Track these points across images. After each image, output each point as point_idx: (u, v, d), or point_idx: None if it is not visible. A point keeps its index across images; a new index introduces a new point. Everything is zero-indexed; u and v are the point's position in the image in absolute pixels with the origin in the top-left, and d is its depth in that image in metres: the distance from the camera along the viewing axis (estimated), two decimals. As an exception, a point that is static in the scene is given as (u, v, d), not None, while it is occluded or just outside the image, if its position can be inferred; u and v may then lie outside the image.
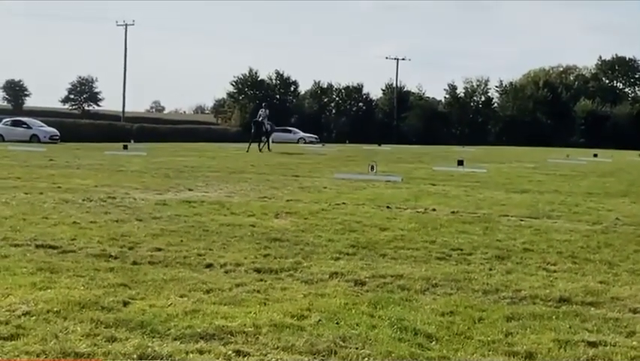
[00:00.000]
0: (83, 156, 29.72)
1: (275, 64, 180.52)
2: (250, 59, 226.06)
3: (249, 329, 5.68)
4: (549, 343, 5.62)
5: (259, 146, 39.19)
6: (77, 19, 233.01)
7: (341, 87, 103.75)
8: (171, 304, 6.35)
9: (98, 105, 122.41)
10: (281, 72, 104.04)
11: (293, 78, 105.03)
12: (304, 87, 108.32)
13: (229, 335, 5.54)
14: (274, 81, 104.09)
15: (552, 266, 8.66)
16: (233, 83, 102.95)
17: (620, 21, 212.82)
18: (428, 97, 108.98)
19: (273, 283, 7.32)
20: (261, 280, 7.44)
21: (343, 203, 14.29)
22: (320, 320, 5.98)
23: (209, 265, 8.06)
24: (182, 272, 7.66)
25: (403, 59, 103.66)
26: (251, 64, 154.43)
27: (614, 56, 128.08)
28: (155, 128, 79.79)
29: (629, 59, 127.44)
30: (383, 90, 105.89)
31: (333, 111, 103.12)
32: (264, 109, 41.39)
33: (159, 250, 8.81)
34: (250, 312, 6.15)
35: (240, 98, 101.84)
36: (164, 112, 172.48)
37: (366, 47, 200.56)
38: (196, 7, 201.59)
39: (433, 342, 5.59)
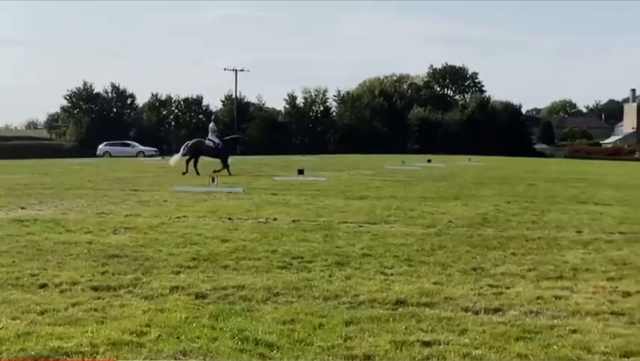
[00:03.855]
0: None
1: (110, 76, 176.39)
2: (84, 72, 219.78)
3: (86, 348, 5.54)
4: (386, 345, 5.77)
5: (220, 168, 30.86)
6: None
7: (180, 99, 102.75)
8: (2, 327, 6.09)
9: None
10: (117, 85, 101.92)
11: (130, 91, 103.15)
12: (142, 100, 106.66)
13: (64, 356, 5.37)
14: (110, 94, 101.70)
15: (389, 270, 8.91)
16: (67, 97, 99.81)
17: (451, 32, 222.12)
18: (268, 107, 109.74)
19: (111, 300, 7.15)
20: (99, 298, 7.25)
21: (184, 216, 14.14)
22: (160, 336, 5.89)
23: (43, 286, 7.77)
24: (15, 294, 7.35)
25: (242, 70, 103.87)
26: (85, 77, 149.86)
27: (445, 65, 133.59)
28: (-17, 146, 76.12)
29: (459, 67, 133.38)
30: (223, 101, 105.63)
31: (173, 123, 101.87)
32: (212, 123, 35.26)
33: (-11, 272, 8.41)
34: (87, 331, 5.99)
35: (75, 112, 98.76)
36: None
37: (204, 59, 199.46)
38: (19, 16, 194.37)
39: (274, 351, 5.63)
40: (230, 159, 32.44)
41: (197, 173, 29.65)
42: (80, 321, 6.35)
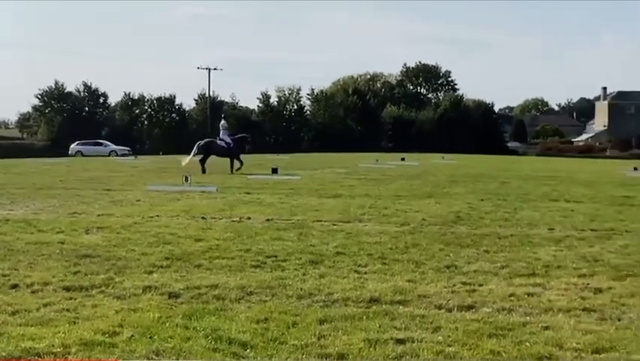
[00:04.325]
0: None
1: (82, 75, 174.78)
2: (56, 71, 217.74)
3: (58, 349, 5.50)
4: (360, 343, 5.78)
5: (230, 166, 31.10)
6: None
7: (153, 98, 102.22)
8: (-27, 329, 6.03)
9: None
10: (89, 84, 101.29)
11: (102, 90, 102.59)
12: (114, 99, 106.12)
13: (36, 357, 5.33)
14: (82, 93, 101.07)
15: (363, 268, 8.93)
16: (39, 96, 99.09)
17: (424, 31, 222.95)
18: (242, 106, 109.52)
19: (83, 300, 7.10)
20: (71, 298, 7.20)
21: (157, 215, 14.08)
22: (132, 336, 5.86)
23: (14, 286, 7.70)
24: (-15, 295, 7.28)
25: (215, 69, 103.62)
26: (57, 76, 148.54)
27: (418, 64, 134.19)
28: (-48, 146, 75.28)
29: (432, 66, 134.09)
30: (196, 100, 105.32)
31: (146, 123, 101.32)
32: (223, 121, 34.46)
33: (-41, 273, 8.32)
34: (59, 332, 5.94)
35: (47, 111, 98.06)
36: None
37: (177, 58, 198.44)
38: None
39: (248, 350, 5.62)
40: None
41: (204, 171, 29.72)
42: (51, 321, 6.30)
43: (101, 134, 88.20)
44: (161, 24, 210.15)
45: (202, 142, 32.70)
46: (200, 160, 31.01)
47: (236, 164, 31.21)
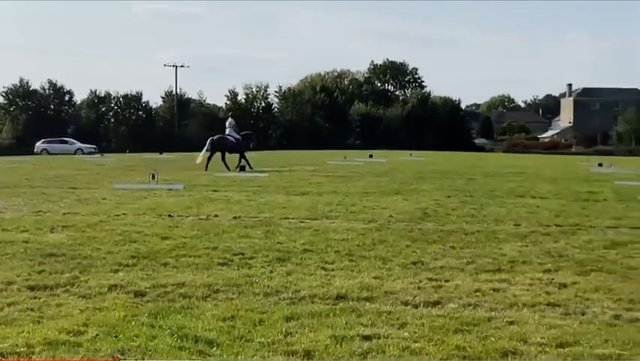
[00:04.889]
0: None
1: (48, 73, 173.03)
2: (20, 69, 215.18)
3: (22, 349, 5.45)
4: (326, 340, 5.79)
5: (238, 162, 31.51)
6: None
7: (119, 95, 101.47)
8: None
9: None
10: (54, 82, 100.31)
11: (67, 87, 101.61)
12: (80, 97, 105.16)
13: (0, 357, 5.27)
14: (47, 91, 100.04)
15: (330, 265, 8.94)
16: (3, 94, 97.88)
17: (391, 28, 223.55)
18: (209, 104, 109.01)
19: (47, 300, 7.04)
20: (35, 297, 7.13)
21: (123, 214, 13.98)
22: (97, 335, 5.82)
23: (-23, 286, 7.61)
24: (-52, 295, 7.18)
25: (182, 66, 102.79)
26: (22, 74, 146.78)
27: (386, 61, 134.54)
28: None
29: (400, 63, 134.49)
30: (163, 98, 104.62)
31: (112, 120, 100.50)
32: (230, 118, 35.35)
33: None
34: (23, 331, 5.89)
35: (12, 109, 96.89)
36: None
37: (143, 55, 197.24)
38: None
39: (214, 348, 5.61)
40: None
41: (206, 168, 30.05)
42: (15, 321, 6.24)
43: (67, 133, 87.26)
44: (126, 21, 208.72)
45: (215, 137, 32.98)
46: (209, 157, 31.37)
47: (242, 161, 31.72)
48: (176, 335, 5.82)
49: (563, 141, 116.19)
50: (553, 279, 8.22)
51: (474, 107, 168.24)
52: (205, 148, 32.59)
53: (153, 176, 21.61)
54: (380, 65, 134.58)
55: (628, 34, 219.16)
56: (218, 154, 31.87)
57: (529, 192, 20.09)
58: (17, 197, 17.58)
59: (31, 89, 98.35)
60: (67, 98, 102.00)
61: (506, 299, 7.24)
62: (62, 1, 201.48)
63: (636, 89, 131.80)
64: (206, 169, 29.71)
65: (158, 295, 7.25)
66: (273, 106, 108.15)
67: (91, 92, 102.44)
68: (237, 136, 32.89)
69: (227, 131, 33.32)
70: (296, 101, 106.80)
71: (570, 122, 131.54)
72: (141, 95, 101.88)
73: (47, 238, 10.81)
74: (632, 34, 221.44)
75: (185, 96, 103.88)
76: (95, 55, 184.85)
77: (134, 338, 5.76)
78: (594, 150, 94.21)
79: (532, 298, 7.27)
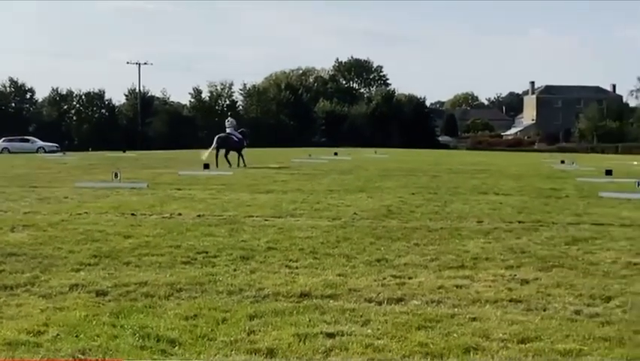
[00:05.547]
0: None
1: (8, 71, 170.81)
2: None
3: (-20, 350, 5.35)
4: (289, 338, 5.77)
5: (238, 160, 32.80)
6: None
7: (81, 93, 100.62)
8: None
9: None
10: (15, 79, 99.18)
11: (29, 85, 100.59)
12: (42, 94, 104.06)
13: (-44, 360, 5.19)
14: (8, 89, 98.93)
15: (294, 263, 8.92)
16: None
17: (356, 25, 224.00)
18: (173, 102, 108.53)
19: (7, 299, 6.94)
20: (-5, 298, 7.03)
21: (85, 213, 13.84)
22: (58, 335, 5.75)
23: None
24: None
25: (145, 64, 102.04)
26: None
27: (350, 58, 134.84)
28: None
29: (364, 60, 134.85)
30: (126, 96, 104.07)
31: (74, 118, 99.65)
32: (231, 118, 37.04)
33: None
34: (-19, 333, 5.79)
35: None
36: None
37: (106, 52, 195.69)
38: None
39: (176, 347, 5.57)
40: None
41: (217, 165, 30.92)
42: (-26, 322, 6.14)
43: (28, 131, 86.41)
44: (90, 18, 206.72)
45: (222, 135, 33.86)
46: (216, 154, 32.34)
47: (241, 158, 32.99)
48: (138, 335, 5.76)
49: (526, 138, 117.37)
50: (515, 275, 8.28)
51: (438, 105, 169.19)
52: (212, 145, 33.44)
53: (116, 174, 21.42)
54: (345, 62, 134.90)
55: (590, 31, 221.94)
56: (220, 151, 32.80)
57: (492, 189, 20.23)
58: (-23, 196, 17.32)
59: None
60: (28, 96, 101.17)
61: (469, 296, 7.27)
62: (26, 1, 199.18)
63: (597, 87, 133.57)
64: (217, 165, 30.58)
65: (120, 295, 7.18)
66: (238, 104, 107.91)
67: (52, 89, 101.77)
68: (239, 135, 34.18)
69: (228, 130, 34.26)
70: (261, 98, 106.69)
71: (533, 120, 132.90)
72: (104, 93, 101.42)
73: (8, 238, 10.67)
74: (593, 31, 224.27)
75: (149, 94, 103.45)
76: (57, 53, 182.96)
77: (96, 337, 5.70)
78: (557, 147, 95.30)
79: (495, 295, 7.31)
